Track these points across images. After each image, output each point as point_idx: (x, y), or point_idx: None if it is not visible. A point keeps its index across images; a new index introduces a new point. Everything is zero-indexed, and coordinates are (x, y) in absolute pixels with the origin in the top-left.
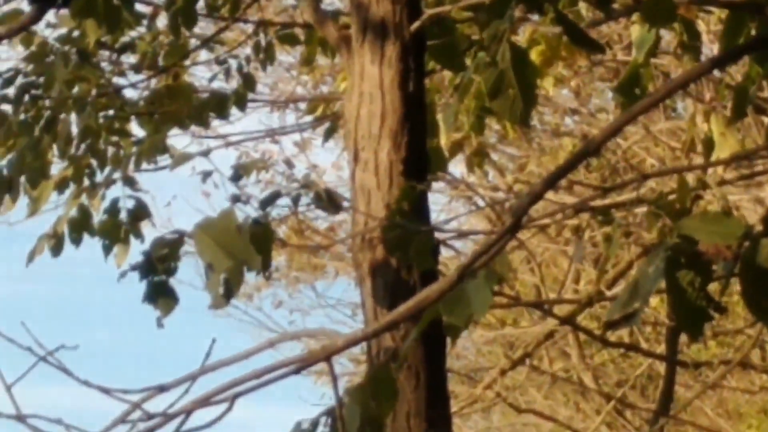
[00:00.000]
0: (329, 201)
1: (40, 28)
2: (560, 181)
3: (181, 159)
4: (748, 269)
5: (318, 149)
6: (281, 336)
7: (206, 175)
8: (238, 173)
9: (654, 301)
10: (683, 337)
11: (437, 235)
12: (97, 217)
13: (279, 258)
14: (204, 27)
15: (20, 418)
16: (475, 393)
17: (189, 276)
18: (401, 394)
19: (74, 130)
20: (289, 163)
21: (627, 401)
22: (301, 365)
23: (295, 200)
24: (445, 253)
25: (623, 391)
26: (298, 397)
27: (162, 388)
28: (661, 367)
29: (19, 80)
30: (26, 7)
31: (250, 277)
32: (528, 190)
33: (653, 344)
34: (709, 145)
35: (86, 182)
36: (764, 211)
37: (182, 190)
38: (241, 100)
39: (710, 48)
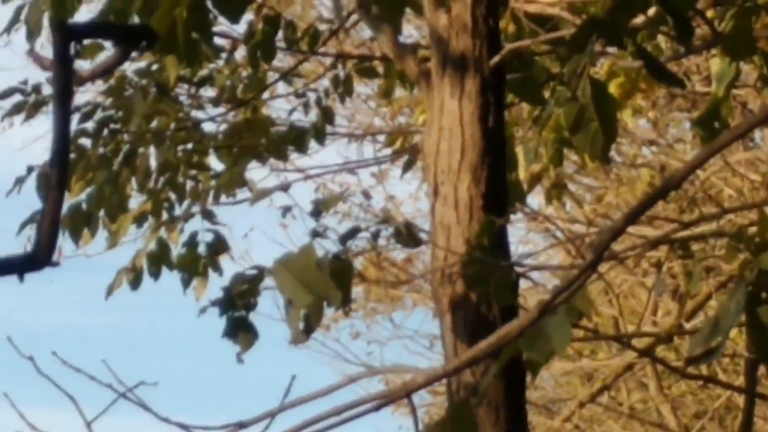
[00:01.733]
0: (409, 235)
1: None
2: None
3: (261, 194)
4: None
5: (395, 180)
6: (362, 373)
7: (286, 209)
8: (318, 209)
9: (732, 332)
10: (762, 369)
11: (516, 267)
12: (176, 250)
13: (356, 289)
14: (282, 60)
15: None
16: (553, 426)
17: (267, 307)
18: (481, 430)
19: (153, 163)
20: (366, 195)
21: None
22: (381, 402)
23: (375, 235)
24: (523, 284)
25: (702, 423)
26: (376, 429)
27: (242, 425)
28: (739, 399)
29: (98, 114)
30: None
31: (329, 310)
32: (609, 226)
33: (732, 376)
34: None
35: (165, 216)
36: None
37: (260, 222)
38: (320, 133)
39: None
